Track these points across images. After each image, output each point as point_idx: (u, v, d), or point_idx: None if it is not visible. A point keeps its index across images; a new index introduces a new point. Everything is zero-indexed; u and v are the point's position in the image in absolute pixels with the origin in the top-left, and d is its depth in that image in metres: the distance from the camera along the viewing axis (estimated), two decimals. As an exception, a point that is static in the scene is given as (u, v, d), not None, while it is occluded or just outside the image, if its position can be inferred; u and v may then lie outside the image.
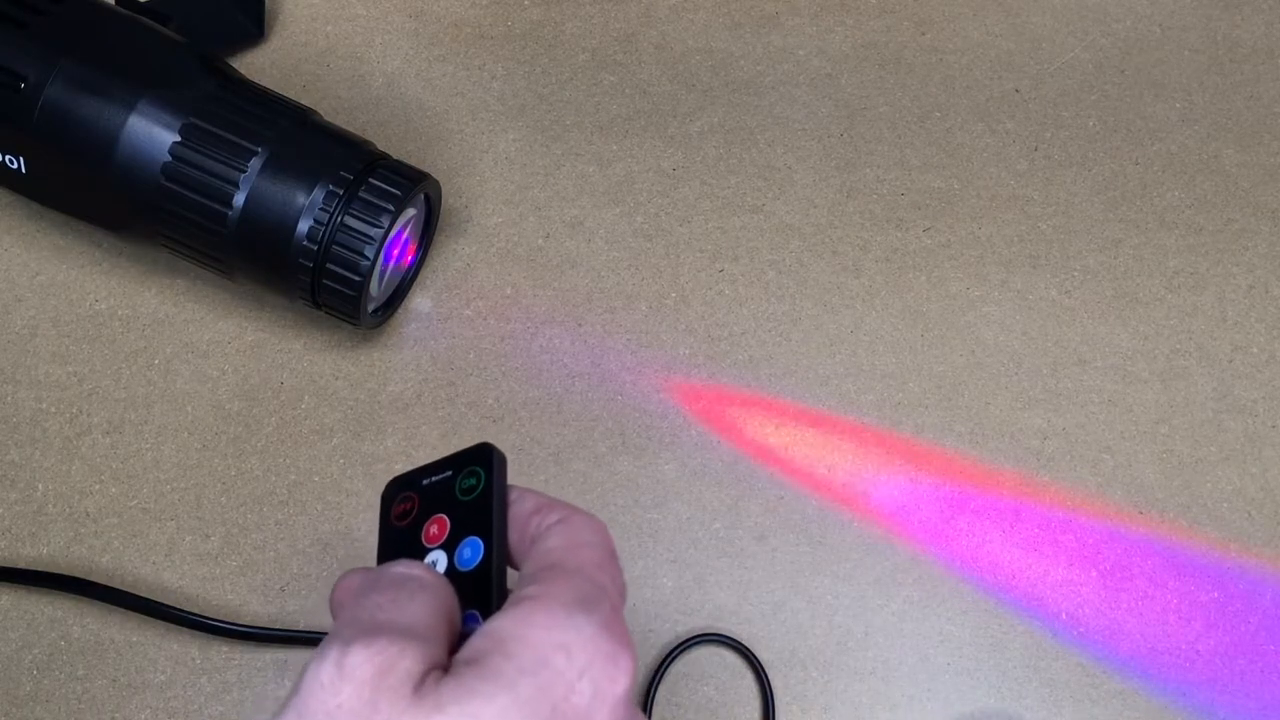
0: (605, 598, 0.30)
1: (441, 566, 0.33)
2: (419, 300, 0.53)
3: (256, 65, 0.57)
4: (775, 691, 0.47)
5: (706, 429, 0.51)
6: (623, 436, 0.51)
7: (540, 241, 0.54)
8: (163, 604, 0.46)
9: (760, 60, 0.58)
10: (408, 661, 0.27)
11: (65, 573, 0.47)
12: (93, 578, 0.47)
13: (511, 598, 0.30)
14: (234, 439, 0.50)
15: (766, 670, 0.47)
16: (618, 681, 0.28)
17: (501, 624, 0.29)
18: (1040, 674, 0.47)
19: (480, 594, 0.32)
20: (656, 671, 0.47)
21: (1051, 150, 0.56)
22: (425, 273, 0.53)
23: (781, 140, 0.56)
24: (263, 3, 0.57)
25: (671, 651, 0.47)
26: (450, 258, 0.54)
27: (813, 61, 0.58)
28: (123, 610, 0.47)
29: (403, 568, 0.31)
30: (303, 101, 0.50)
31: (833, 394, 0.52)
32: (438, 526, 0.34)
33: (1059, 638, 0.48)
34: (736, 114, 0.57)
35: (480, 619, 0.31)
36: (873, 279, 0.54)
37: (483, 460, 0.34)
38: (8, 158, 0.48)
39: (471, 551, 0.33)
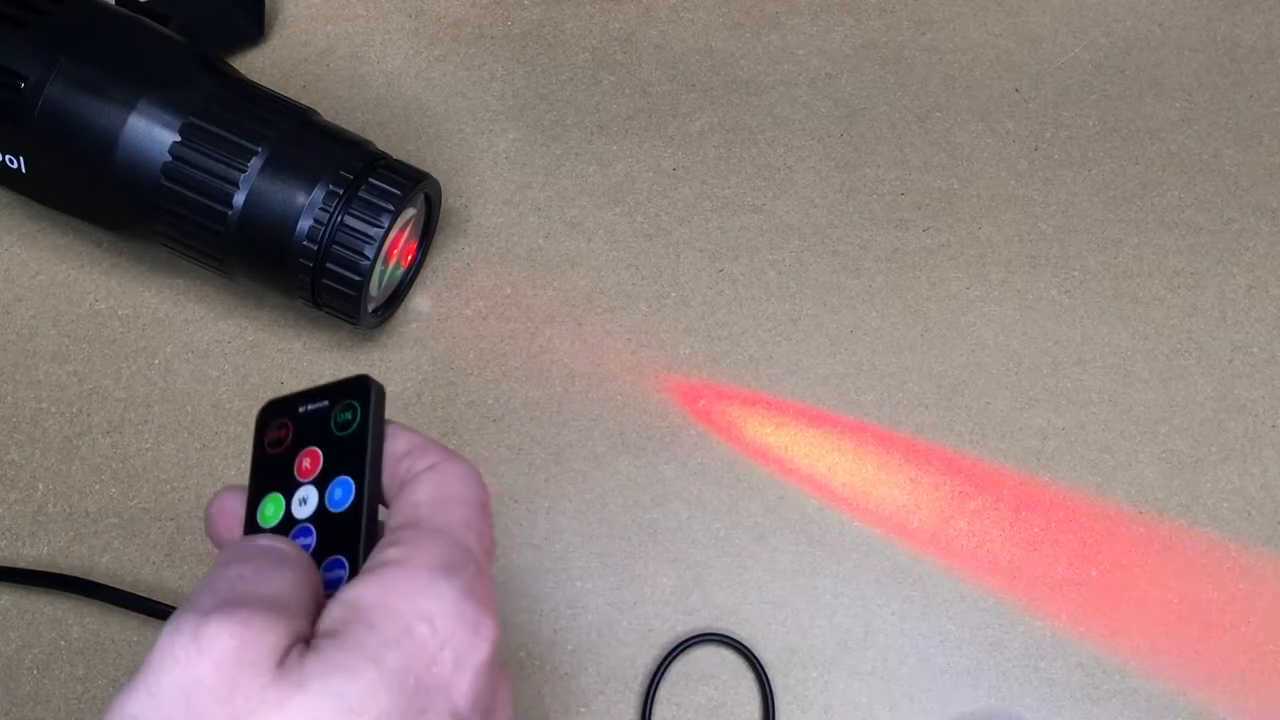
0: (470, 560, 0.29)
1: (312, 504, 0.32)
2: (419, 300, 0.53)
3: (256, 65, 0.57)
4: (775, 691, 0.47)
5: (706, 429, 0.51)
6: (623, 436, 0.51)
7: (540, 241, 0.54)
8: (163, 604, 0.46)
9: (760, 60, 0.58)
10: (271, 636, 0.26)
11: (65, 573, 0.47)
12: (93, 578, 0.47)
13: (372, 559, 0.29)
14: (234, 439, 0.50)
15: (766, 670, 0.47)
16: (479, 649, 0.28)
17: (363, 592, 0.28)
18: (1040, 674, 0.47)
19: (349, 539, 0.31)
20: (656, 671, 0.47)
21: (1051, 150, 0.56)
22: (425, 273, 0.53)
23: (781, 140, 0.56)
24: (263, 3, 0.57)
25: (671, 651, 0.47)
26: (450, 258, 0.54)
27: (813, 61, 0.58)
28: (123, 610, 0.47)
29: (266, 541, 0.30)
30: (303, 101, 0.50)
31: (833, 394, 0.52)
32: (310, 460, 0.33)
33: (1059, 638, 0.48)
34: (736, 114, 0.57)
35: (346, 565, 0.31)
36: (873, 279, 0.54)
37: (360, 394, 0.33)
38: (8, 158, 0.48)
39: (343, 493, 0.32)
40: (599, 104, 0.57)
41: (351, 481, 0.32)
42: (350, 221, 0.46)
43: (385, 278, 0.50)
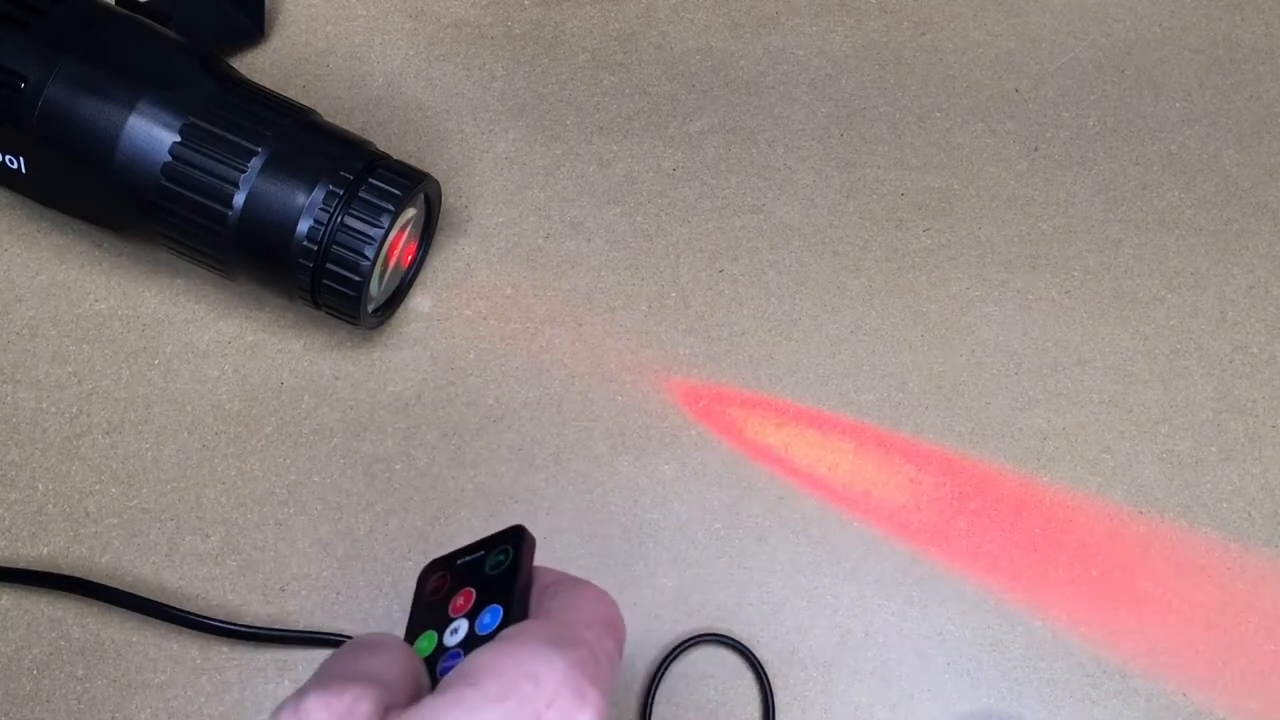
0: (582, 644, 0.30)
1: (463, 632, 0.34)
2: (419, 300, 0.53)
3: (256, 65, 0.57)
4: (775, 691, 0.47)
5: (706, 429, 0.51)
6: (623, 436, 0.51)
7: (540, 241, 0.54)
8: (163, 604, 0.46)
9: (760, 60, 0.58)
10: (364, 704, 0.28)
11: (65, 573, 0.47)
12: (93, 578, 0.47)
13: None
14: (234, 439, 0.50)
15: (766, 670, 0.47)
16: (584, 713, 0.28)
17: (473, 657, 0.29)
18: (1040, 674, 0.47)
19: None
20: (656, 671, 0.47)
21: (1051, 150, 0.56)
22: (425, 273, 0.53)
23: (781, 140, 0.56)
24: (263, 3, 0.57)
25: (671, 651, 0.47)
26: (450, 258, 0.54)
27: (813, 61, 0.58)
28: (123, 610, 0.47)
29: (367, 636, 0.32)
30: (303, 101, 0.50)
31: (833, 394, 0.52)
32: (464, 598, 0.35)
33: (1059, 638, 0.48)
34: (736, 114, 0.57)
35: None
36: (873, 279, 0.54)
37: (514, 540, 0.36)
38: (8, 158, 0.48)
39: (491, 618, 0.34)
40: (599, 104, 0.57)
41: (499, 608, 0.34)
42: (350, 222, 0.46)
43: (385, 278, 0.50)
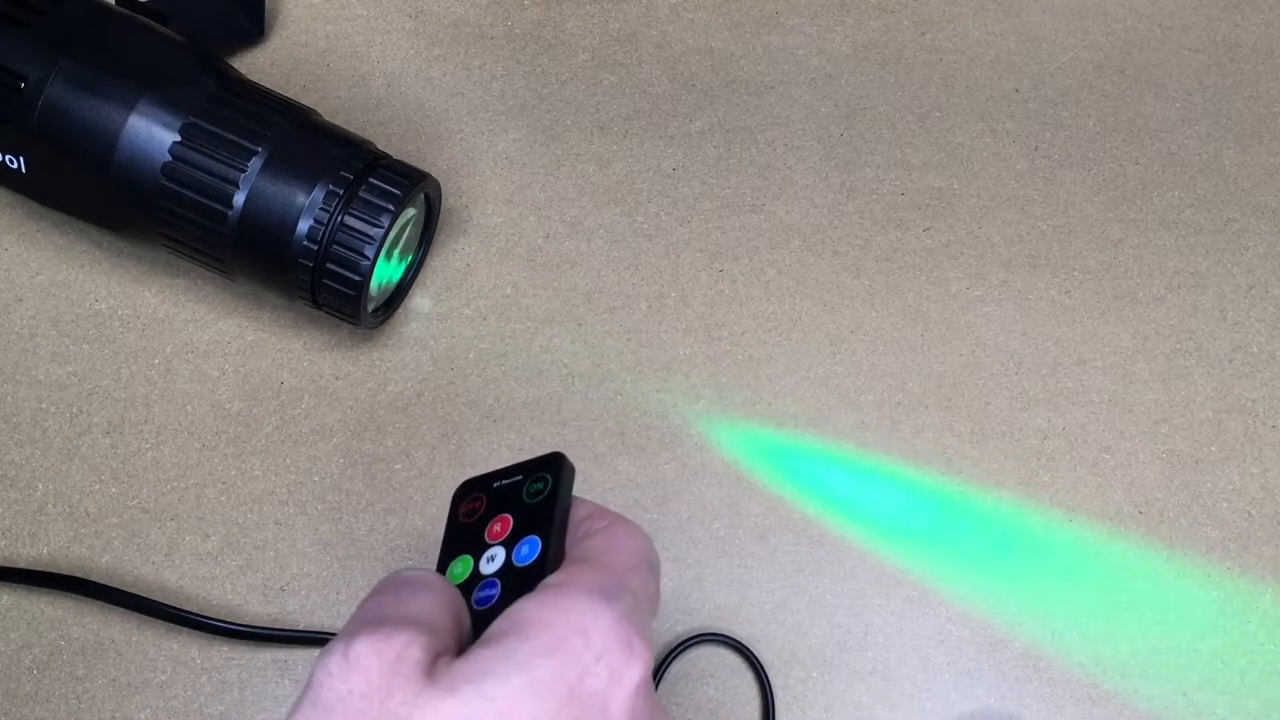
0: (628, 592, 0.30)
1: (499, 560, 0.34)
2: (419, 300, 0.53)
3: (256, 65, 0.57)
4: (775, 691, 0.47)
5: (707, 429, 0.51)
6: (623, 436, 0.51)
7: (540, 241, 0.54)
8: (163, 604, 0.46)
9: (760, 60, 0.58)
10: (415, 649, 0.28)
11: (65, 573, 0.47)
12: (93, 578, 0.47)
13: (539, 586, 0.30)
14: (234, 439, 0.50)
15: (766, 670, 0.47)
16: (634, 667, 0.29)
17: (521, 607, 0.29)
18: (1040, 674, 0.47)
19: (532, 585, 0.33)
20: (657, 672, 0.47)
21: (1051, 150, 0.56)
22: (425, 273, 0.53)
23: (781, 140, 0.56)
24: (263, 3, 0.57)
25: (671, 651, 0.47)
26: (450, 258, 0.54)
27: (813, 61, 0.58)
28: (123, 610, 0.47)
29: (407, 572, 0.32)
30: (303, 101, 0.50)
31: (833, 394, 0.52)
32: (501, 525, 0.35)
33: (1059, 638, 0.48)
34: (736, 114, 0.57)
35: None
36: (873, 279, 0.54)
37: (553, 467, 0.35)
38: (8, 158, 0.48)
39: (529, 549, 0.33)
40: (599, 104, 0.57)
41: (538, 539, 0.34)
42: (350, 221, 0.46)
43: (385, 278, 0.50)
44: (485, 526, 0.35)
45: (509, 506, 0.35)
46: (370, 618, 0.29)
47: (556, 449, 0.36)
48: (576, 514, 0.34)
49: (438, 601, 0.30)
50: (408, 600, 0.30)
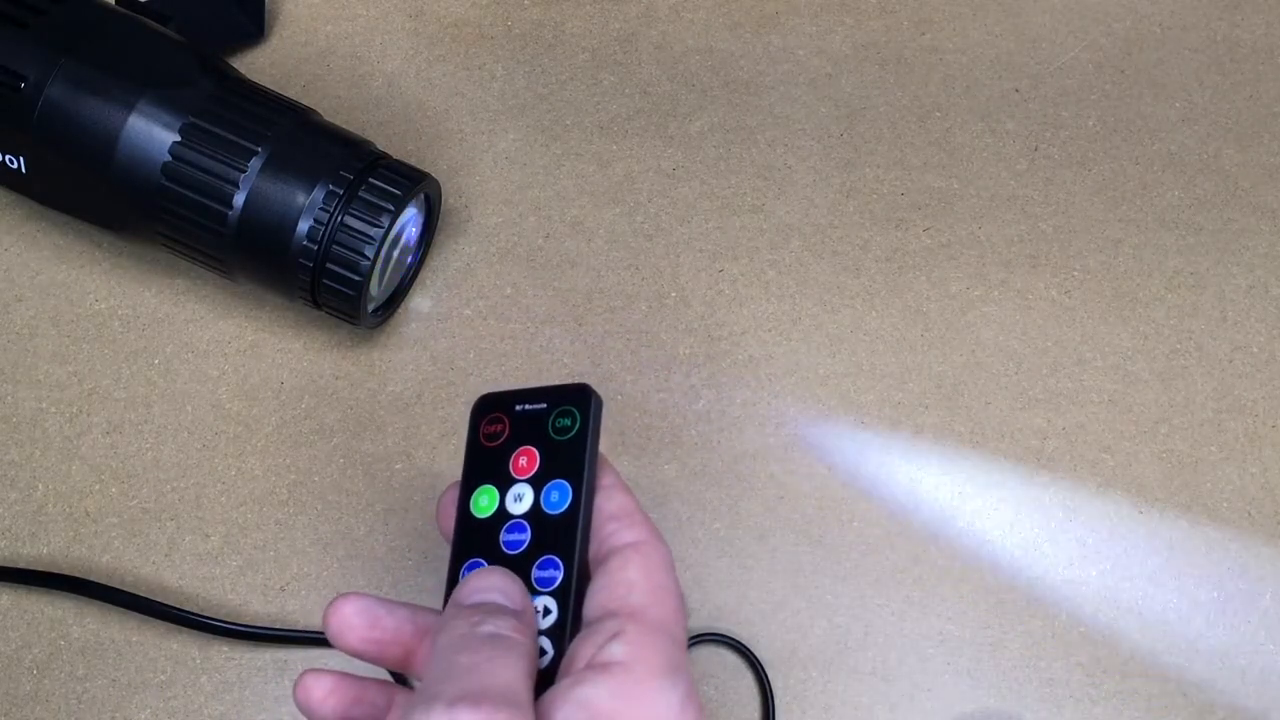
0: (685, 659, 0.32)
1: (528, 501, 0.34)
2: (419, 300, 0.53)
3: (256, 65, 0.57)
4: (775, 691, 0.47)
5: (708, 429, 0.51)
6: (622, 436, 0.51)
7: (540, 241, 0.54)
8: (163, 604, 0.46)
9: (760, 60, 0.58)
10: None
11: (65, 573, 0.47)
12: (93, 578, 0.47)
13: (600, 653, 0.31)
14: (234, 439, 0.50)
15: (766, 670, 0.47)
16: None
17: (594, 694, 0.30)
18: (1040, 674, 0.47)
19: (563, 541, 0.33)
20: (656, 671, 0.47)
21: (1051, 150, 0.56)
22: (425, 273, 0.53)
23: (781, 140, 0.56)
24: (263, 3, 0.57)
25: (671, 651, 0.47)
26: (450, 258, 0.54)
27: (813, 61, 0.58)
28: (123, 610, 0.47)
29: (490, 627, 0.31)
30: (303, 101, 0.50)
31: (833, 394, 0.52)
32: (527, 459, 0.34)
33: (1059, 638, 0.48)
34: (736, 114, 0.57)
35: (560, 566, 0.32)
36: (873, 279, 0.54)
37: (580, 402, 0.34)
38: (8, 158, 0.48)
39: (559, 496, 0.33)
40: (599, 104, 0.57)
41: (569, 486, 0.33)
42: (350, 221, 0.46)
43: (386, 277, 0.50)
44: (510, 457, 0.34)
45: (534, 439, 0.34)
46: (471, 689, 0.29)
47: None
48: (605, 506, 0.34)
49: (527, 668, 0.31)
50: (501, 668, 0.30)
